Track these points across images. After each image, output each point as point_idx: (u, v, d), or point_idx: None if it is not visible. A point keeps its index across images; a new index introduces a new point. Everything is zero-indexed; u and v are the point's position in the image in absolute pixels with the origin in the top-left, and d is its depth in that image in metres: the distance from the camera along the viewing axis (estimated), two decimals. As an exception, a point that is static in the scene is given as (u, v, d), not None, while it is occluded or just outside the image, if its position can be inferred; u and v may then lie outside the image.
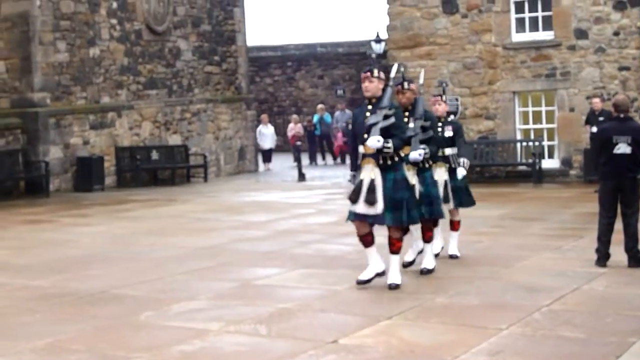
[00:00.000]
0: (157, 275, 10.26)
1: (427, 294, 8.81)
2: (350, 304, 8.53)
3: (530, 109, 21.57)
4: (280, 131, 34.40)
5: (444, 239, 10.91)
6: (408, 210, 8.96)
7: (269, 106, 37.03)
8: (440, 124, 10.50)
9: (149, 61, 23.88)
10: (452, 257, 10.75)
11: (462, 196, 10.75)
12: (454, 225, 10.88)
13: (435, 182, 10.07)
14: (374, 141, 8.74)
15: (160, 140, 24.00)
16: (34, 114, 20.32)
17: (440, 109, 10.64)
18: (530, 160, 21.03)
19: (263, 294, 9.13)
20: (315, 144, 31.41)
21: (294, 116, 32.55)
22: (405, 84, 9.89)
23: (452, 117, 11.66)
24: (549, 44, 20.95)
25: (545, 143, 21.46)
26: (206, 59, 26.24)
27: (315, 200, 18.36)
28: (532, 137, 21.49)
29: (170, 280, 9.94)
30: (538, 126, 21.55)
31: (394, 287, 8.98)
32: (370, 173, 8.92)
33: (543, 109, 21.47)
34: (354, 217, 9.01)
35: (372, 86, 9.06)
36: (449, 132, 10.62)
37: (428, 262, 9.89)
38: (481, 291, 8.98)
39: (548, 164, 21.29)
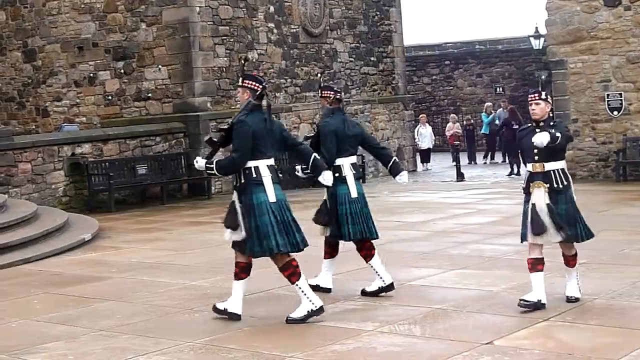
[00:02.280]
0: (312, 275, 10.31)
1: (586, 295, 8.52)
2: (507, 305, 8.34)
3: (699, 102, 20.66)
4: (439, 131, 34.20)
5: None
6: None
7: (427, 106, 36.85)
8: (537, 130, 8.12)
9: (306, 63, 24.15)
10: (569, 299, 8.35)
11: (576, 224, 8.24)
12: (569, 261, 8.42)
13: (339, 200, 9.07)
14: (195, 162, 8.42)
15: (318, 142, 24.18)
16: (195, 118, 20.86)
17: (538, 109, 8.18)
18: (699, 157, 20.15)
19: (418, 295, 9.07)
20: (474, 143, 30.98)
21: (452, 116, 32.23)
22: (320, 91, 9.26)
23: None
24: None
25: None
26: (363, 60, 26.33)
27: (473, 200, 18.11)
28: (701, 132, 20.58)
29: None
30: None
31: (234, 317, 8.18)
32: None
33: None
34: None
35: (239, 97, 8.33)
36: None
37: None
38: (645, 292, 8.64)
39: None
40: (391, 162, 9.47)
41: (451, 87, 37.38)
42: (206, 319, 8.37)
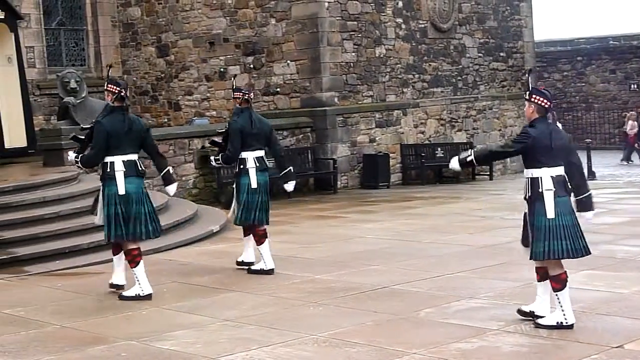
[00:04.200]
0: (438, 272, 10.26)
1: None
2: (639, 308, 8.11)
3: None
4: (569, 128, 33.51)
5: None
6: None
7: (557, 102, 36.12)
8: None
9: (434, 59, 23.98)
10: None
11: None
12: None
13: (241, 189, 10.44)
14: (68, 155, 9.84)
15: (445, 138, 24.05)
16: (323, 112, 20.97)
17: (527, 111, 7.69)
18: None
19: (545, 295, 8.88)
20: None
21: (632, 113, 31.24)
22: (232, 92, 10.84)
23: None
24: None
25: None
26: (492, 55, 25.98)
27: (604, 199, 17.62)
28: None
29: (451, 278, 9.91)
30: None
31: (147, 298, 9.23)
32: None
33: None
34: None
35: (105, 99, 9.52)
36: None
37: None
38: None
39: None
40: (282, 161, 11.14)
41: (583, 84, 36.59)
42: (330, 313, 8.41)
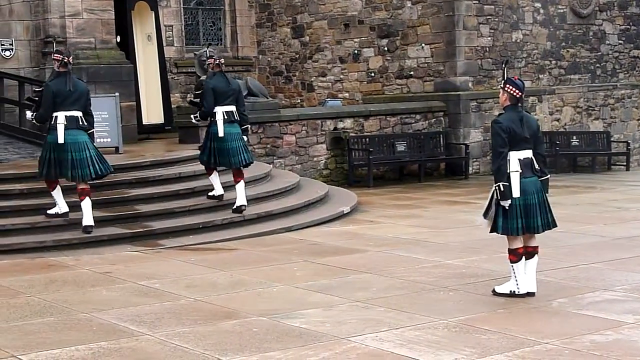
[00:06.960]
0: (571, 262, 10.06)
1: None
2: None
3: None
4: None
5: None
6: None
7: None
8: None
9: (572, 45, 23.43)
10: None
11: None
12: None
13: (211, 137, 12.37)
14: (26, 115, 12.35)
15: (581, 126, 23.50)
16: (456, 97, 20.76)
17: (500, 99, 8.40)
18: None
19: (685, 290, 8.62)
20: None
21: None
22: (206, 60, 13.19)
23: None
24: None
25: None
26: (632, 42, 25.21)
27: None
28: None
29: (584, 268, 9.70)
30: None
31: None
32: None
33: None
34: None
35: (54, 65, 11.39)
36: None
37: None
38: None
39: None
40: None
41: None
42: (461, 298, 8.34)
